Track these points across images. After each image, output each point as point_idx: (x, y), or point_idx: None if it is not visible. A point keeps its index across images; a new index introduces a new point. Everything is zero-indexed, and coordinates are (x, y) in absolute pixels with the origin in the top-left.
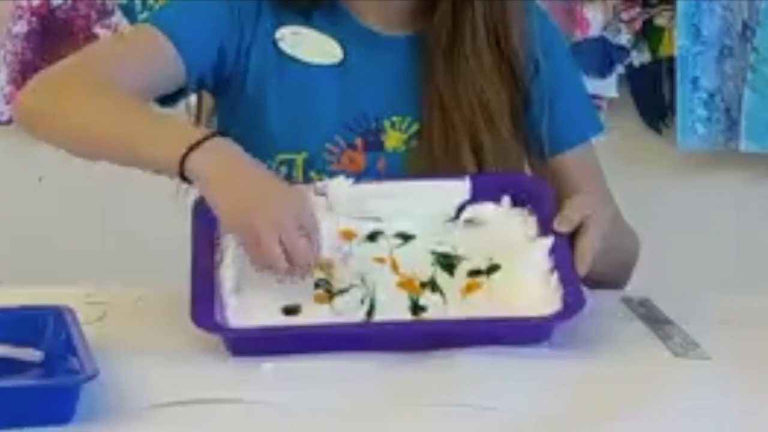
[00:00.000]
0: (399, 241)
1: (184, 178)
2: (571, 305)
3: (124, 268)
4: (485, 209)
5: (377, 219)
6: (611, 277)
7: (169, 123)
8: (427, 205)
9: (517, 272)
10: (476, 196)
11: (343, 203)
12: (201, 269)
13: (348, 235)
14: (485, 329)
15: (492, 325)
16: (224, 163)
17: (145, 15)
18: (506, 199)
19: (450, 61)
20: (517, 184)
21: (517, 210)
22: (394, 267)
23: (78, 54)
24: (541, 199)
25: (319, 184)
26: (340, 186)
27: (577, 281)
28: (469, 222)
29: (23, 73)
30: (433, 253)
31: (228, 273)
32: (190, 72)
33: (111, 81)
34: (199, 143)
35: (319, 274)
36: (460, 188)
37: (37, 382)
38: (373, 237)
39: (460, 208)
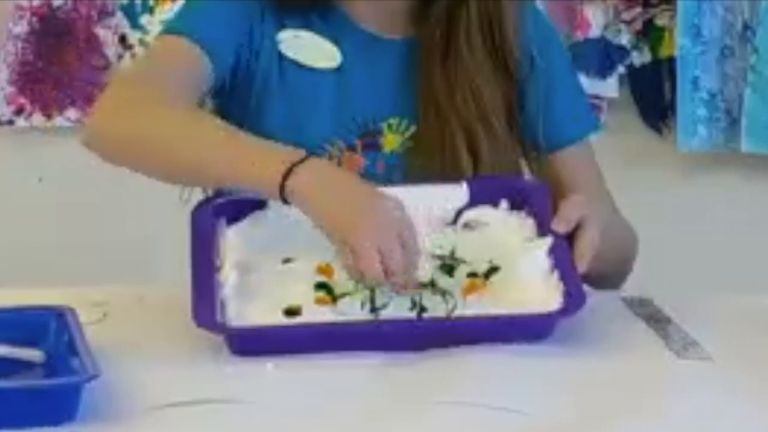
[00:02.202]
0: None
1: (284, 199)
2: (573, 301)
3: (125, 268)
4: (483, 213)
5: None
6: (610, 273)
7: (262, 145)
8: (425, 210)
9: (517, 272)
10: (474, 201)
11: None
12: (201, 273)
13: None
14: (488, 327)
15: (494, 322)
16: (324, 179)
17: (160, 18)
18: (504, 203)
19: (446, 62)
20: (514, 187)
21: (515, 213)
22: None
23: (127, 77)
24: (538, 201)
25: None
26: None
27: (577, 278)
28: (468, 226)
29: (24, 73)
30: (433, 256)
31: (229, 277)
32: (217, 76)
33: (175, 99)
34: (297, 164)
35: (319, 278)
36: (457, 193)
37: (39, 382)
38: None
39: (458, 213)
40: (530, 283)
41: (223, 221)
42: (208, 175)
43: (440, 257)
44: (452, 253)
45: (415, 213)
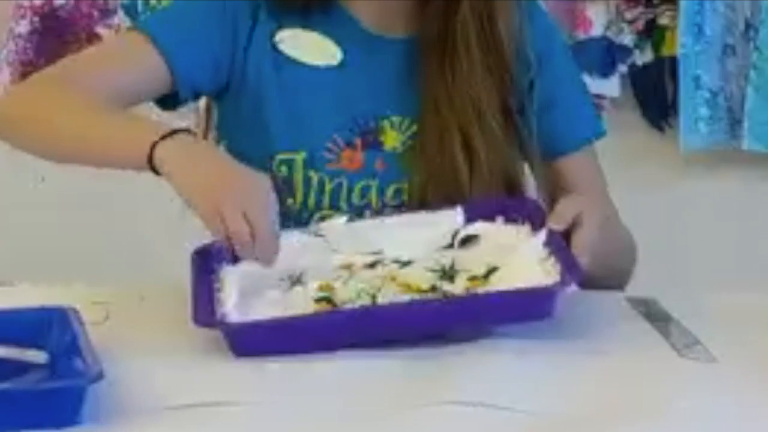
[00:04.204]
0: (397, 265)
1: (154, 170)
2: (571, 275)
3: (127, 267)
4: (479, 227)
5: (377, 253)
6: (607, 280)
7: (136, 121)
8: (422, 235)
9: (515, 267)
10: (469, 222)
11: (341, 242)
12: (201, 292)
13: (347, 267)
14: (484, 305)
15: (491, 300)
16: (188, 151)
17: (141, 18)
18: (500, 219)
19: (443, 61)
20: (508, 207)
21: (510, 225)
22: (395, 282)
23: (60, 62)
24: (533, 217)
25: (313, 227)
26: (334, 225)
27: (574, 260)
28: (465, 243)
29: (25, 72)
30: (433, 270)
31: (230, 296)
32: (178, 79)
33: (84, 87)
34: (165, 137)
35: (320, 293)
36: (453, 217)
37: (43, 384)
38: (372, 265)
39: (455, 235)
40: (528, 273)
41: (223, 263)
42: (83, 154)
43: (439, 270)
44: (452, 265)
45: (412, 239)
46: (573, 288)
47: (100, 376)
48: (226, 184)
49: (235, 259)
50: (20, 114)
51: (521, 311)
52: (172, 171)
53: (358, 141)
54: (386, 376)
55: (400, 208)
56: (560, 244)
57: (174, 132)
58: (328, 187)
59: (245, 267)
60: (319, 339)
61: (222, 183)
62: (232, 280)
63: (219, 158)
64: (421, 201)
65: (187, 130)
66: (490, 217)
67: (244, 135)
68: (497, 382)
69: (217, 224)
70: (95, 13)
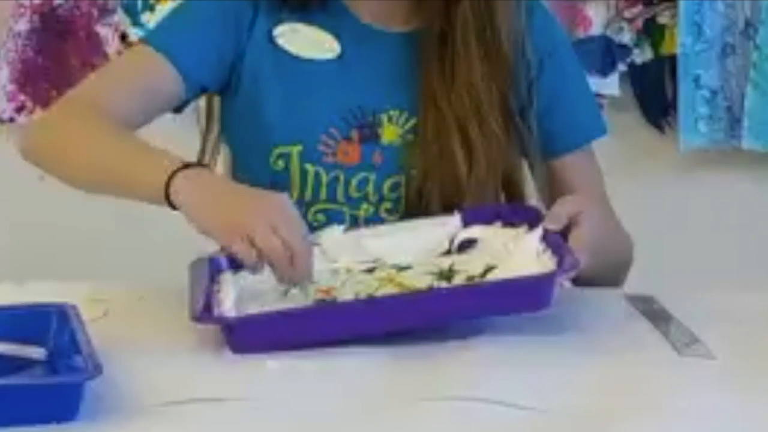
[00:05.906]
0: (395, 269)
1: (170, 204)
2: (567, 263)
3: (127, 267)
4: (477, 230)
5: (375, 260)
6: (603, 278)
7: (153, 155)
8: (420, 241)
9: (512, 263)
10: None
11: (339, 251)
12: (199, 291)
13: (346, 271)
14: (480, 295)
15: (490, 288)
16: (206, 185)
17: (141, 33)
18: (498, 224)
19: (442, 57)
20: (507, 213)
21: (508, 228)
22: (392, 283)
23: (79, 84)
24: (533, 223)
25: (311, 236)
26: (332, 234)
27: (570, 252)
28: (463, 248)
29: (25, 71)
30: (431, 273)
31: (228, 294)
32: (190, 86)
33: (107, 112)
34: (180, 169)
35: (319, 295)
36: (451, 224)
37: (41, 379)
38: (370, 271)
39: (452, 241)
40: (526, 267)
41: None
42: (105, 190)
43: (438, 273)
44: (450, 267)
45: (410, 245)
46: (570, 274)
47: (98, 372)
48: (250, 209)
49: (236, 268)
50: (47, 144)
51: (518, 300)
52: (187, 204)
53: (355, 134)
54: (383, 372)
55: (397, 201)
56: (557, 239)
57: (186, 166)
58: (324, 180)
59: (241, 274)
60: (318, 333)
61: (245, 209)
62: (231, 284)
63: (235, 187)
64: (419, 195)
65: (198, 163)
66: (488, 223)
67: (243, 129)
68: (495, 379)
69: (249, 249)
70: (95, 12)
